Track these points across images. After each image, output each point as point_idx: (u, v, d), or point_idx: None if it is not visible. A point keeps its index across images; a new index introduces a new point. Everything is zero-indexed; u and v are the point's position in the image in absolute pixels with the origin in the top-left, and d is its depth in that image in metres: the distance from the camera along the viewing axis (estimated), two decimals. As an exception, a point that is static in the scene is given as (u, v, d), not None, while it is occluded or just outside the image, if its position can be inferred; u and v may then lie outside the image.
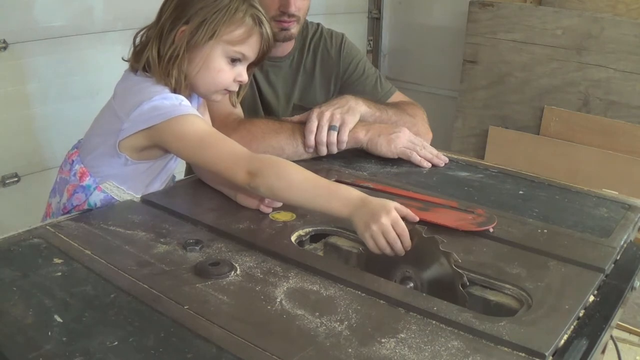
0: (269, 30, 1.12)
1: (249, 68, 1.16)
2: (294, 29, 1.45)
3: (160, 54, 1.08)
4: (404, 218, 0.91)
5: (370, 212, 0.90)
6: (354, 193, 0.94)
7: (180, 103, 1.06)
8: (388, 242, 0.89)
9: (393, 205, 0.91)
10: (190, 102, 1.18)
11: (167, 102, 1.05)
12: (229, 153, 1.03)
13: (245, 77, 1.14)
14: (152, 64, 1.08)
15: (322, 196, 0.95)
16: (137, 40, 1.13)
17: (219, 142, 1.04)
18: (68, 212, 1.14)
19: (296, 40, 1.55)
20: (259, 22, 1.10)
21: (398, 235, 0.89)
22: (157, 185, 1.20)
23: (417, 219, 0.93)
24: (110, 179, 1.13)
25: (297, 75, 1.57)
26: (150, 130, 1.05)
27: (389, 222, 0.88)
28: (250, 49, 1.11)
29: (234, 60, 1.11)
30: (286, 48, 1.54)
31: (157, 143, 1.08)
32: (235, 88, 1.15)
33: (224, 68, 1.10)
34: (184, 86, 1.10)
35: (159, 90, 1.07)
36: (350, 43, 1.64)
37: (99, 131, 1.15)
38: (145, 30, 1.12)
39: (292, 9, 1.40)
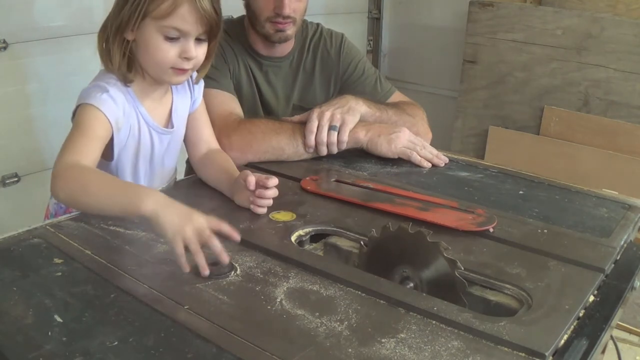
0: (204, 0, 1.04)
1: (209, 43, 1.10)
2: (290, 30, 1.45)
3: (105, 46, 1.09)
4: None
5: (183, 211, 0.87)
6: (160, 193, 0.91)
7: (100, 94, 1.05)
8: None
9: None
10: (182, 95, 1.19)
11: (91, 90, 1.06)
12: (64, 152, 0.99)
13: (191, 52, 1.06)
14: (100, 56, 1.09)
15: (123, 195, 0.92)
16: None
17: (72, 139, 1.02)
18: (64, 214, 1.14)
19: (296, 40, 1.55)
20: None
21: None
22: (155, 186, 1.20)
23: (239, 239, 0.90)
24: None
25: (297, 75, 1.57)
26: None
27: (206, 225, 0.87)
28: (182, 22, 1.03)
29: (172, 38, 1.05)
30: (285, 48, 1.54)
31: None
32: (186, 65, 1.08)
33: (161, 46, 1.05)
34: (129, 71, 1.09)
35: (102, 79, 1.08)
36: (350, 43, 1.64)
37: None
38: None
39: (287, 11, 1.40)
